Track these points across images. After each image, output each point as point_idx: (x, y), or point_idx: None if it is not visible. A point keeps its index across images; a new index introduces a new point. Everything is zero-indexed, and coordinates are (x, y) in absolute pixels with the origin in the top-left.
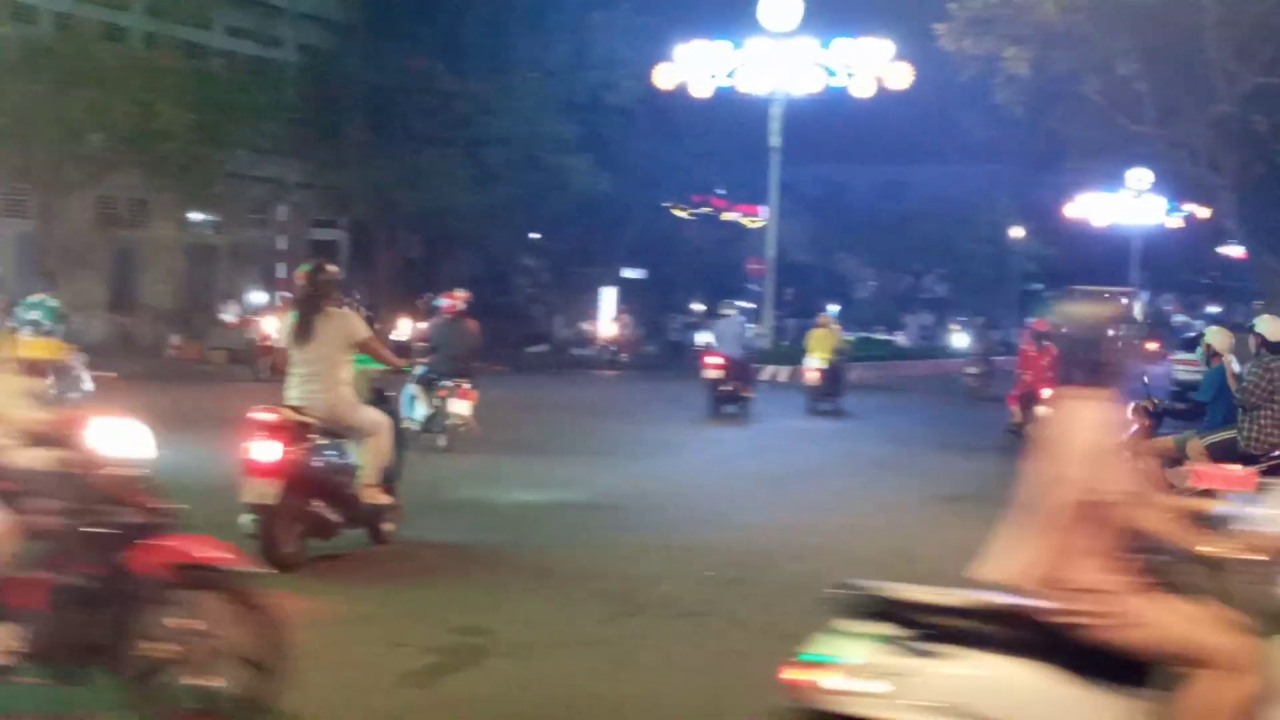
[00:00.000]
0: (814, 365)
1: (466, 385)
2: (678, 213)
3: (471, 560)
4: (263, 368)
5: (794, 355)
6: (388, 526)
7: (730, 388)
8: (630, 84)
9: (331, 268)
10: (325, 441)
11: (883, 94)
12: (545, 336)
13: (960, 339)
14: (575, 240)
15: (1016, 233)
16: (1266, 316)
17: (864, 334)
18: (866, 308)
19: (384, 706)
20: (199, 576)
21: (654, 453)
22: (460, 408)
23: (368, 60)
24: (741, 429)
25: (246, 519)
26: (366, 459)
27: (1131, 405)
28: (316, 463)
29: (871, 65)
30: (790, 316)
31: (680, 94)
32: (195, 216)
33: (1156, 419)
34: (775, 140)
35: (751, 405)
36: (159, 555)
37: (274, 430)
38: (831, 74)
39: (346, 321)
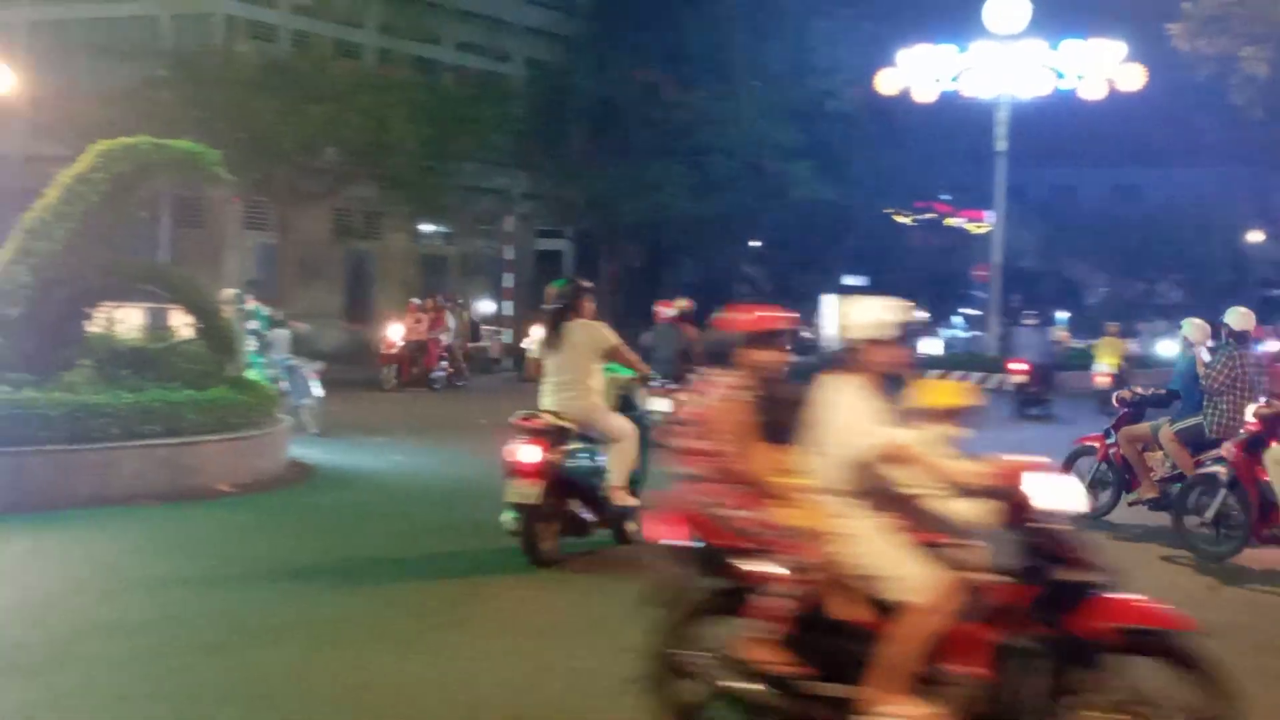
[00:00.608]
0: (1103, 371)
1: (674, 386)
2: (900, 219)
3: None
4: (387, 377)
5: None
6: (631, 527)
7: (1034, 391)
8: (852, 90)
9: (582, 282)
10: (579, 445)
11: (1114, 96)
12: None
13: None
14: (796, 248)
15: (1255, 237)
16: (1235, 309)
17: (1092, 341)
18: (1097, 314)
19: (612, 710)
20: (1143, 641)
21: None
22: (661, 405)
23: (593, 72)
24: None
25: (508, 517)
26: (615, 462)
27: (1114, 396)
28: (573, 465)
29: (1102, 67)
30: (1016, 324)
31: (903, 99)
32: (426, 227)
33: (1138, 408)
34: (1001, 144)
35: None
36: (1102, 616)
37: (536, 434)
38: (1060, 76)
39: (595, 331)
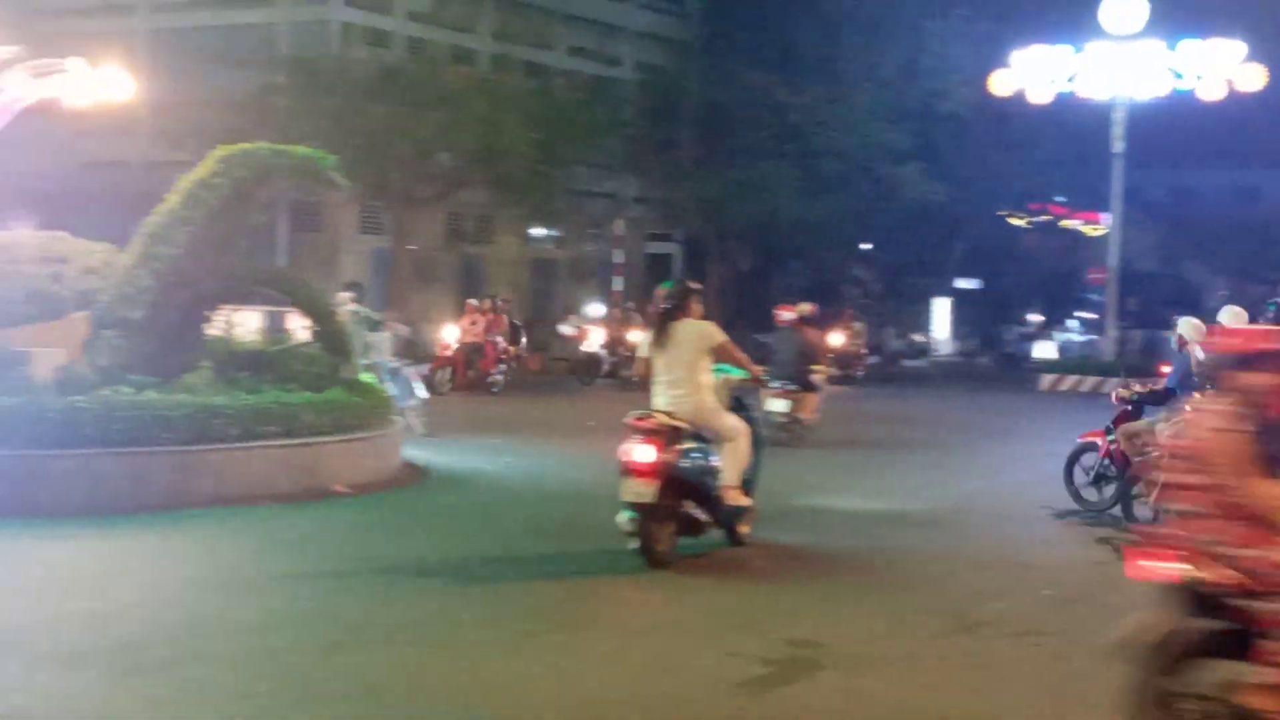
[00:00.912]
0: None
1: (792, 388)
2: (1014, 221)
3: (811, 566)
4: (441, 380)
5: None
6: (744, 528)
7: None
8: (964, 91)
9: (691, 283)
10: (692, 445)
11: (1233, 96)
12: (876, 348)
13: None
14: (907, 250)
15: None
16: (1229, 308)
17: None
18: (1218, 318)
19: (714, 715)
20: None
21: (1001, 466)
22: (778, 406)
23: (703, 76)
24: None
25: (624, 517)
26: (727, 462)
27: (1113, 394)
28: (687, 465)
29: (1221, 67)
30: (1134, 327)
31: (1017, 100)
32: (537, 231)
33: (1137, 405)
34: (1118, 145)
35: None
36: None
37: (650, 434)
38: (1178, 76)
39: (703, 329)
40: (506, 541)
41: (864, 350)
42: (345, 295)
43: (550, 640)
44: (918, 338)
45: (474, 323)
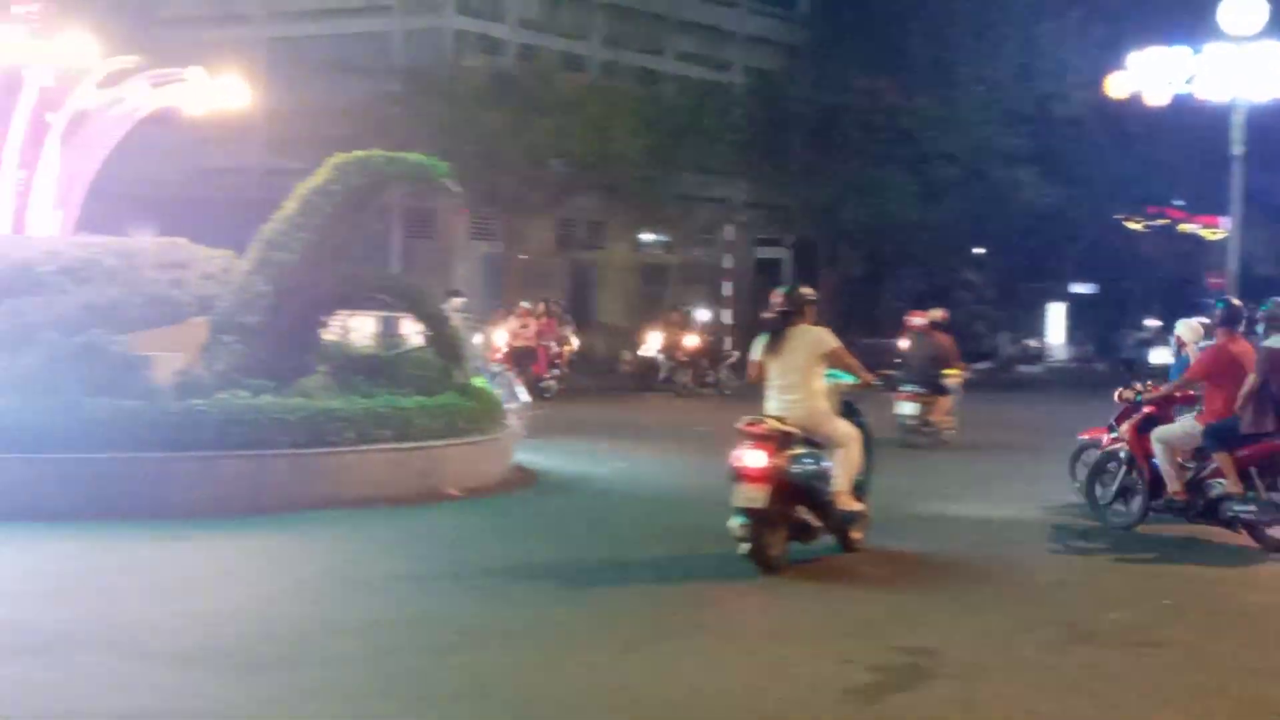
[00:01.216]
0: None
1: (923, 392)
2: (1131, 225)
3: (924, 573)
4: (548, 385)
5: None
6: (856, 534)
7: None
8: (1080, 94)
9: (805, 289)
10: (804, 450)
11: None
12: (990, 353)
13: None
14: (1021, 255)
15: None
16: (1184, 322)
17: None
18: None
19: None
20: None
21: None
22: (908, 410)
23: (813, 80)
24: None
25: (736, 522)
26: (840, 467)
27: (1116, 394)
28: (798, 470)
29: None
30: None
31: (1134, 102)
32: (647, 236)
33: (1136, 407)
34: (1237, 148)
35: None
36: None
37: (762, 439)
38: None
39: (816, 335)
40: (617, 546)
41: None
42: (456, 301)
43: (659, 646)
44: (1032, 343)
45: (524, 325)
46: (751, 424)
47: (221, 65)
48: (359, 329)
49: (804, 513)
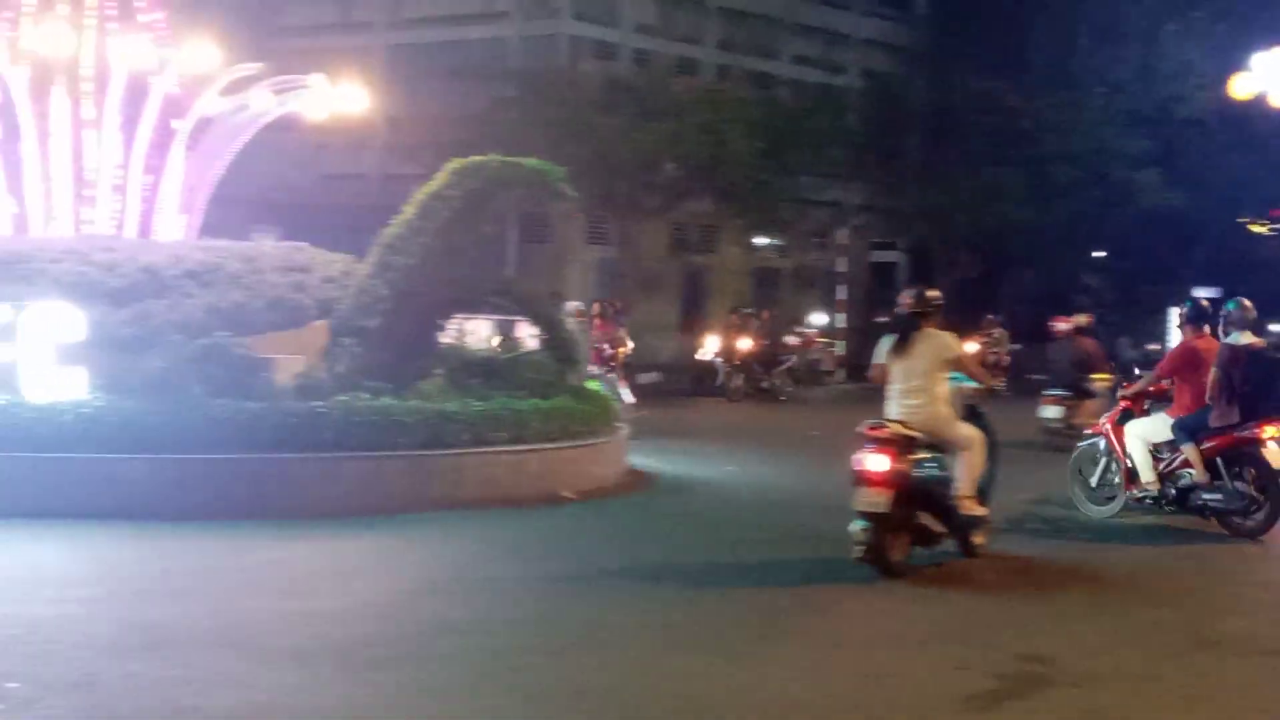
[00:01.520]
0: None
1: (1067, 395)
2: (1255, 229)
3: (1045, 578)
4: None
5: None
6: (978, 539)
7: None
8: (1203, 95)
9: (933, 292)
10: (926, 455)
11: None
12: (1111, 357)
13: None
14: (1141, 258)
15: None
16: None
17: None
18: None
19: None
20: None
21: None
22: (1051, 413)
23: (929, 82)
24: None
25: (857, 526)
26: (961, 472)
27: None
28: (920, 474)
29: None
30: None
31: (1258, 104)
32: (760, 240)
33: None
34: None
35: None
36: None
37: (883, 443)
38: None
39: (942, 340)
40: (731, 549)
41: (1005, 359)
42: (574, 305)
43: (773, 650)
44: (1152, 347)
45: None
46: (874, 428)
47: (342, 72)
48: (475, 332)
49: (926, 518)
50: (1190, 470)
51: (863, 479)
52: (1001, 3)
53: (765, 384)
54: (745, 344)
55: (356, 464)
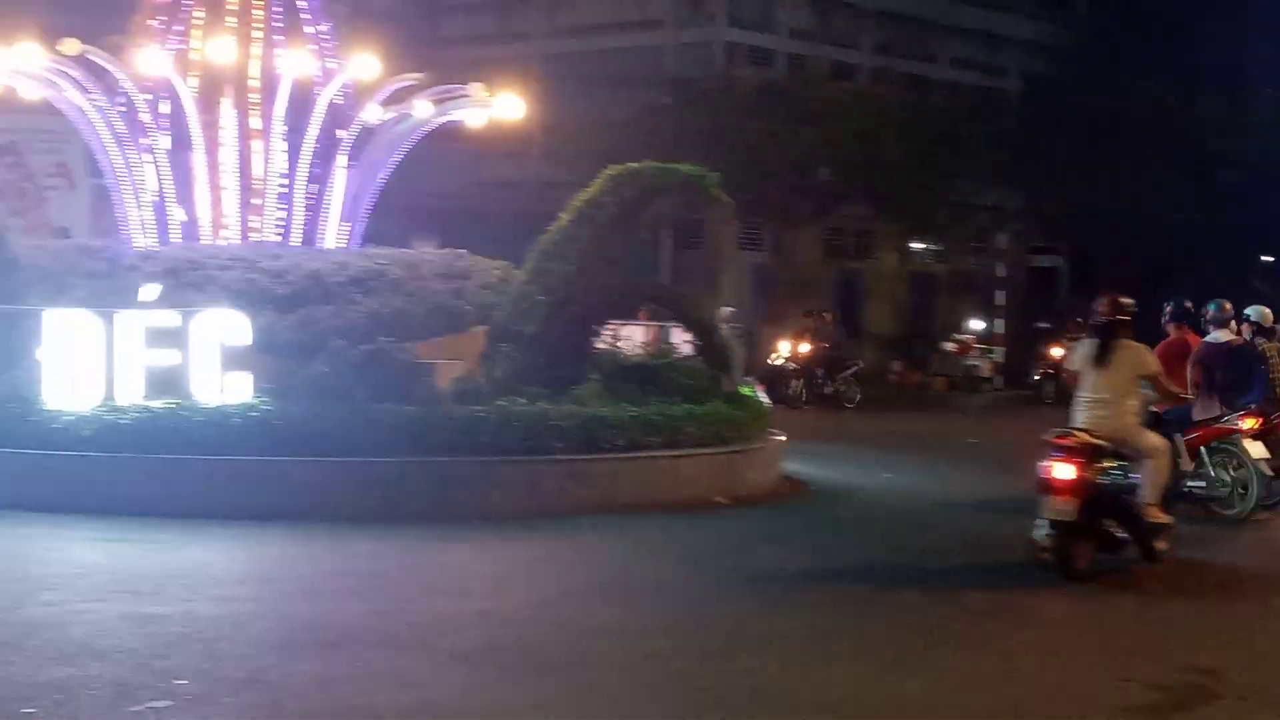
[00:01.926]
0: None
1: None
2: None
3: (1226, 587)
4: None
5: None
6: (1160, 545)
7: None
8: None
9: (1127, 300)
10: (1113, 463)
11: None
12: None
13: None
14: None
15: None
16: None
17: None
18: None
19: None
20: None
21: None
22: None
23: (1091, 84)
24: None
25: (1041, 532)
26: (1147, 479)
27: None
28: (1106, 482)
29: None
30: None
31: None
32: (916, 245)
33: None
34: None
35: None
36: None
37: (1071, 452)
38: None
39: (1139, 355)
40: (888, 557)
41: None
42: (727, 311)
43: (931, 657)
44: None
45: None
46: (1061, 437)
47: (500, 81)
48: (630, 338)
49: (1111, 524)
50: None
51: (1050, 486)
52: (1165, 2)
53: (828, 389)
54: (804, 348)
55: (513, 468)
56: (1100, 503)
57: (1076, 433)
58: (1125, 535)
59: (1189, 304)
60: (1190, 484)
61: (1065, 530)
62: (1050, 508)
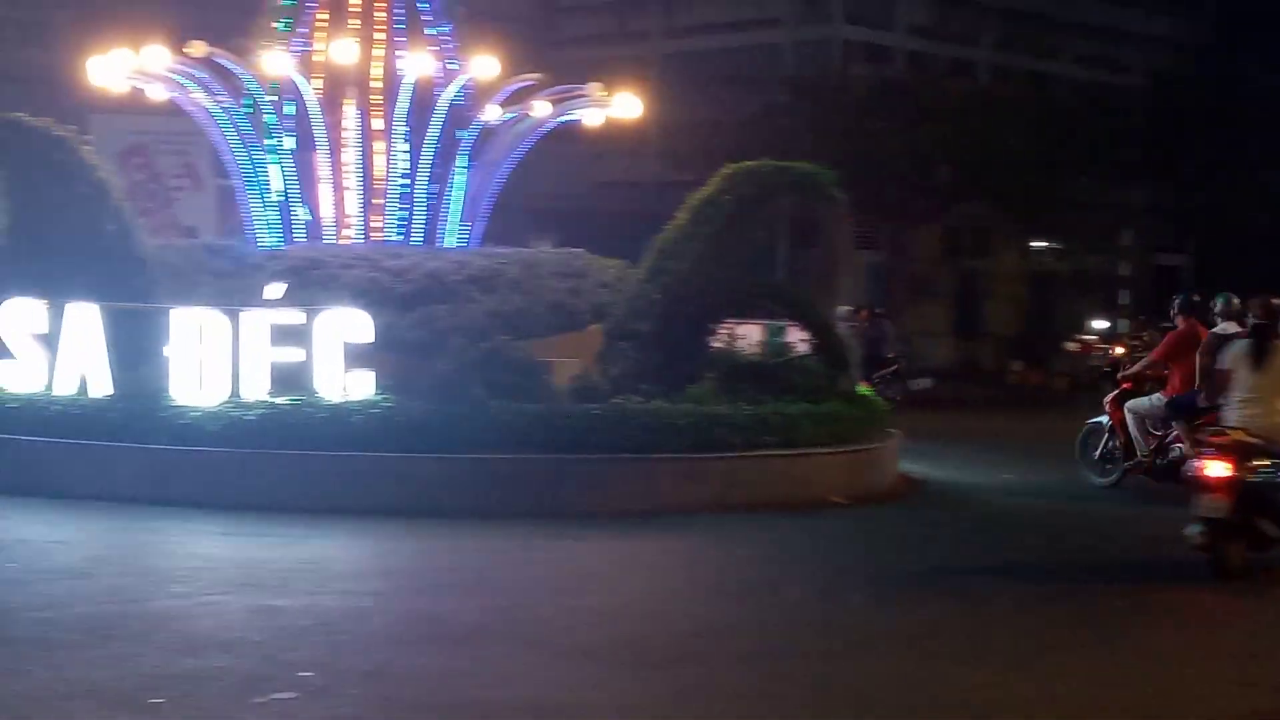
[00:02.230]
0: None
1: None
2: None
3: None
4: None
5: None
6: None
7: None
8: None
9: (1277, 300)
10: (1266, 461)
11: None
12: None
13: None
14: None
15: None
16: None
17: None
18: None
19: None
20: None
21: None
22: None
23: (1217, 80)
24: None
25: (1194, 530)
26: None
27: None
28: (1259, 480)
29: None
30: None
31: None
32: (1036, 244)
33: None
34: None
35: None
36: None
37: (1224, 450)
38: None
39: None
40: (1007, 560)
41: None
42: (845, 310)
43: (1051, 660)
44: None
45: None
46: (1215, 435)
47: (618, 81)
48: (746, 337)
49: (1263, 523)
50: (1180, 445)
51: (1203, 485)
52: None
53: None
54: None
55: (630, 465)
56: (1253, 500)
57: (1230, 431)
58: (1277, 534)
59: (1197, 297)
60: None
61: (1218, 528)
62: (1203, 505)
